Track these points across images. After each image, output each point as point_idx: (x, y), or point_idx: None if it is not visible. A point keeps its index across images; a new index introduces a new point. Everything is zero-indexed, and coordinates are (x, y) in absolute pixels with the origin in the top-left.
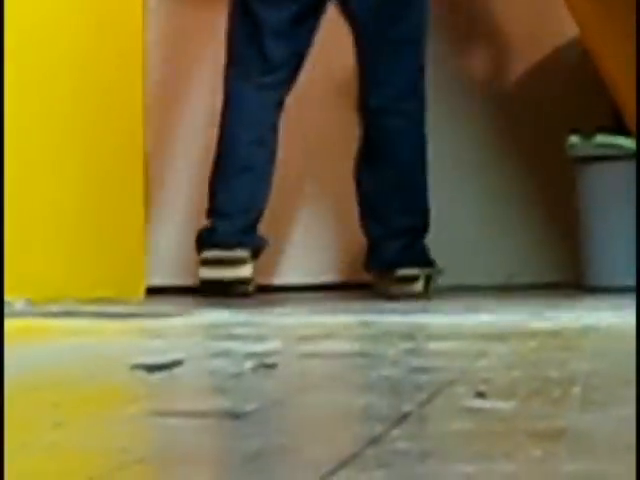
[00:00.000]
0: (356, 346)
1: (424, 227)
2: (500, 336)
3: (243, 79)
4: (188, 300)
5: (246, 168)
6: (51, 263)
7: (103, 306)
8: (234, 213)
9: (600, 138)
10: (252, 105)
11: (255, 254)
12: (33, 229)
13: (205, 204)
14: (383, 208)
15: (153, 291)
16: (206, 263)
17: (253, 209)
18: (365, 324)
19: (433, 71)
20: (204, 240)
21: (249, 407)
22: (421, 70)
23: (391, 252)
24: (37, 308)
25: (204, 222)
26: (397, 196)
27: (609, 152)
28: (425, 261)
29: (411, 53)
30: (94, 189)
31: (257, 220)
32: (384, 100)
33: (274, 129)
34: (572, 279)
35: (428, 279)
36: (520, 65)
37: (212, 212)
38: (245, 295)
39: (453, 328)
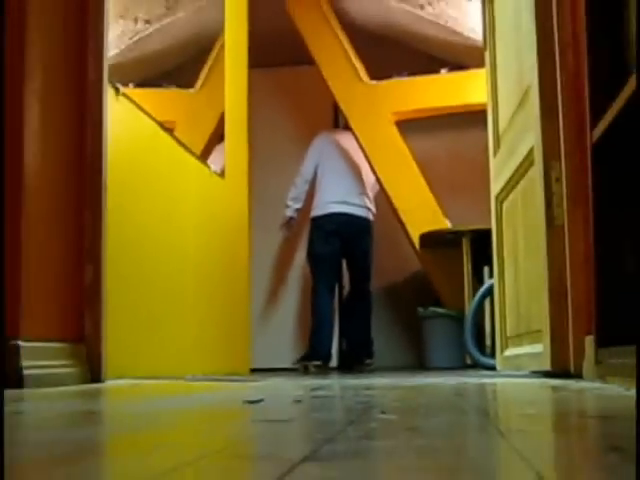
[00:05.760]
0: (337, 392)
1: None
2: (391, 388)
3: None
4: (265, 374)
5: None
6: (214, 361)
7: (230, 377)
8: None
9: (431, 308)
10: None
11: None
12: (208, 348)
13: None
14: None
15: (252, 370)
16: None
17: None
18: (339, 384)
19: None
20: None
21: (290, 417)
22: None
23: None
24: (205, 377)
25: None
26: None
27: (433, 314)
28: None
29: (370, 270)
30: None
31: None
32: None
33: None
34: (420, 365)
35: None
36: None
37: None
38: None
39: (374, 385)
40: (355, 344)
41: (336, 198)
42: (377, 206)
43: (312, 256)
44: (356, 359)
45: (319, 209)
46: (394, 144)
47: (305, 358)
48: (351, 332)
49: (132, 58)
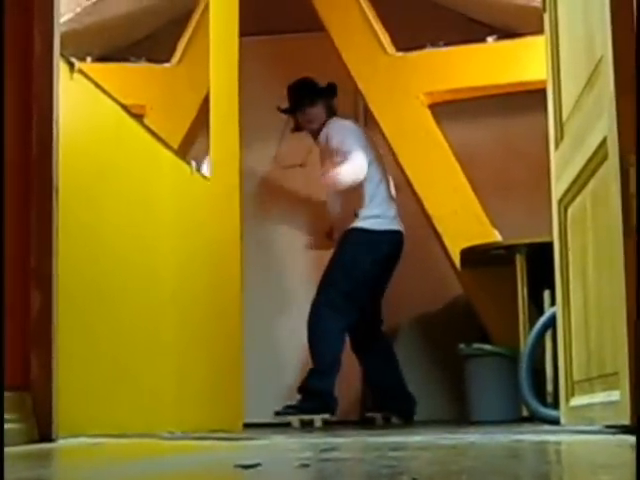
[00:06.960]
0: (355, 453)
1: None
2: (425, 447)
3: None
4: (263, 430)
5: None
6: (198, 414)
7: (218, 434)
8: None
9: (476, 345)
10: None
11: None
12: (190, 398)
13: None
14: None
15: (246, 425)
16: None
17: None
18: (358, 442)
19: None
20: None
21: None
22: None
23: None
24: (187, 435)
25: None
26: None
27: (479, 352)
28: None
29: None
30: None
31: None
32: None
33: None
34: (462, 417)
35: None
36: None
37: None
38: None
39: (403, 444)
40: (392, 392)
41: (392, 211)
42: (406, 213)
43: (354, 272)
44: (396, 411)
45: (374, 221)
46: (427, 133)
47: (306, 409)
48: (379, 377)
49: (91, 24)
